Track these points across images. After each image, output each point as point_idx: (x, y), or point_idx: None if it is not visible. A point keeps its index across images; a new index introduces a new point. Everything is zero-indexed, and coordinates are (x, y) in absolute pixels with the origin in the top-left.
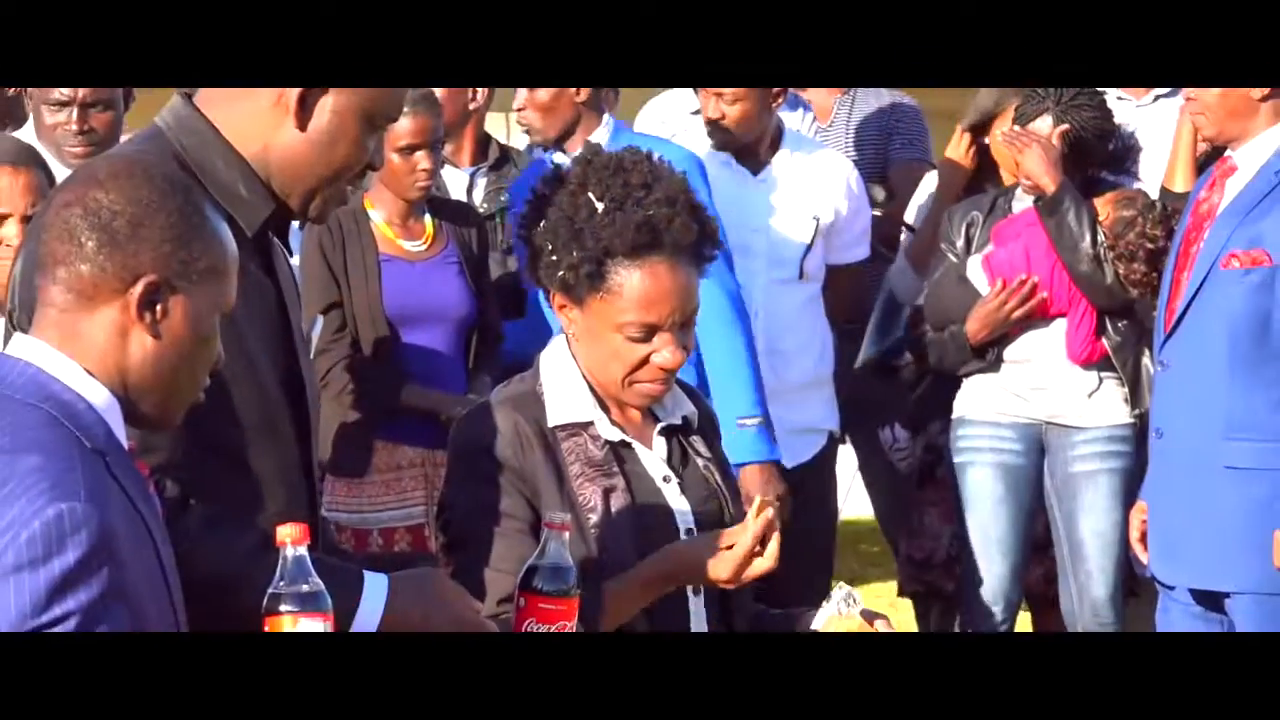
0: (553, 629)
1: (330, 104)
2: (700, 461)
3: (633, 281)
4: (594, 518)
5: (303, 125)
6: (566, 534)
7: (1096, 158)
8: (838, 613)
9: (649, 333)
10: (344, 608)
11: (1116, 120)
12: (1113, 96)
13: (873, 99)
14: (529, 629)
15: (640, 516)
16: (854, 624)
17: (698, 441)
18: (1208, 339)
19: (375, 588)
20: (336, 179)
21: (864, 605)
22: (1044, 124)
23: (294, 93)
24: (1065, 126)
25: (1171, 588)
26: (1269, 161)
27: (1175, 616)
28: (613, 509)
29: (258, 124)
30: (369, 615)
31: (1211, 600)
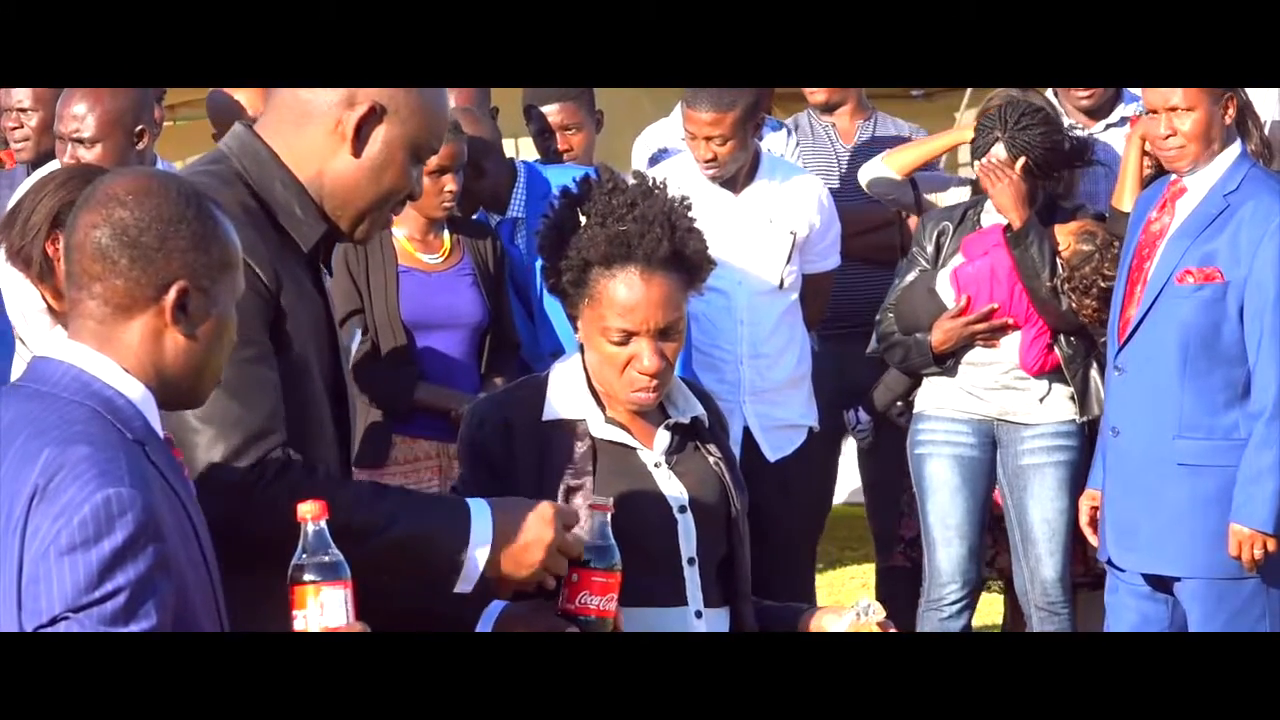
0: (603, 600)
1: (382, 134)
2: (711, 459)
3: (609, 289)
4: None
5: (358, 152)
6: (608, 514)
7: (1058, 163)
8: (856, 618)
9: (627, 338)
10: (460, 525)
11: (1066, 121)
12: (1066, 126)
13: (891, 126)
14: (582, 601)
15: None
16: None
17: (709, 440)
18: (1161, 347)
19: (480, 512)
20: (383, 204)
21: (882, 616)
22: (999, 151)
23: (351, 122)
24: (1024, 160)
25: (1123, 570)
26: (1217, 185)
27: (1123, 596)
28: (571, 505)
29: (315, 150)
30: (481, 533)
31: (1160, 582)
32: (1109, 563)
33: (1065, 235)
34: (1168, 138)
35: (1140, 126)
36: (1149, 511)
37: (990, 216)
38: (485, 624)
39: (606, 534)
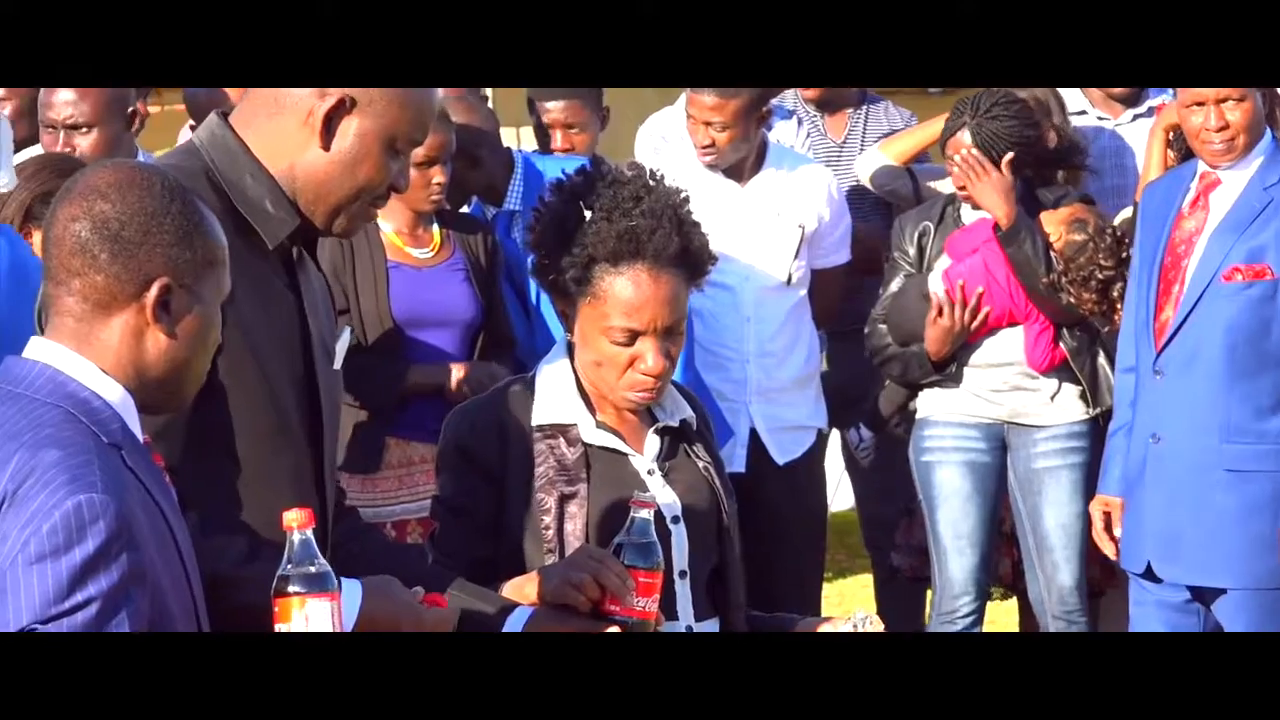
0: (647, 601)
1: (354, 127)
2: (700, 464)
3: (615, 287)
4: (547, 519)
5: (327, 145)
6: (649, 511)
7: (1032, 158)
8: (853, 629)
9: (632, 337)
10: None
11: (1094, 112)
12: (1093, 117)
13: (884, 120)
14: (625, 602)
15: (607, 518)
16: None
17: (697, 443)
18: (1206, 348)
19: (351, 590)
20: (358, 198)
21: (880, 629)
22: (964, 137)
23: (320, 114)
24: (1010, 156)
25: (1159, 580)
26: (1255, 177)
27: (1151, 607)
28: (565, 514)
29: (286, 143)
30: (348, 614)
31: (1196, 592)
32: (1144, 573)
33: (1055, 224)
34: (1220, 130)
35: (1164, 118)
36: (1195, 520)
37: (971, 212)
38: (514, 627)
39: (649, 532)
